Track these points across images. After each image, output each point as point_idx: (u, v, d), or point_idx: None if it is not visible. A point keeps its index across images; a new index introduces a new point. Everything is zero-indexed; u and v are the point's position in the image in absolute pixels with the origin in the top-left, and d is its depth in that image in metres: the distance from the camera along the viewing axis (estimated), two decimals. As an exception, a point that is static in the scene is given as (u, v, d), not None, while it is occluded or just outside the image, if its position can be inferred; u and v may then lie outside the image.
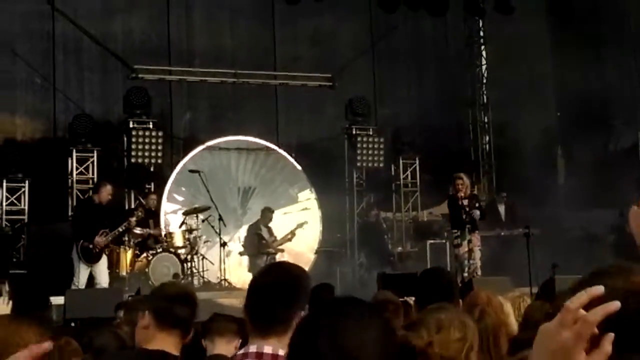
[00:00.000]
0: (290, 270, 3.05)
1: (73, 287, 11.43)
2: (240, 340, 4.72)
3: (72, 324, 9.99)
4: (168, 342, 3.40)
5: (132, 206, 14.48)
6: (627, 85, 16.42)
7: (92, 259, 11.66)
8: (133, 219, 12.17)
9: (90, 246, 11.59)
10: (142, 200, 14.56)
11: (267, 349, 2.73)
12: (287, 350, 1.70)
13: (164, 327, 3.42)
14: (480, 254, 12.64)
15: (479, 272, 12.37)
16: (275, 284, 2.90)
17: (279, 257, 14.17)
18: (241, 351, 2.84)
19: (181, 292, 3.60)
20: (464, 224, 12.52)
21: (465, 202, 12.47)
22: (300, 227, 14.39)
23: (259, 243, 14.01)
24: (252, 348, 2.77)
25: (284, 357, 2.57)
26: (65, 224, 13.17)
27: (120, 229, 12.00)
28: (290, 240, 14.22)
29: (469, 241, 12.51)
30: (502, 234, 14.80)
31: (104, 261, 11.92)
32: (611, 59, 16.15)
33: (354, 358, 1.56)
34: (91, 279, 11.80)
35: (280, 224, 14.68)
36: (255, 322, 2.83)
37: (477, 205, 12.67)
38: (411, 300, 5.26)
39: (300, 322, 1.69)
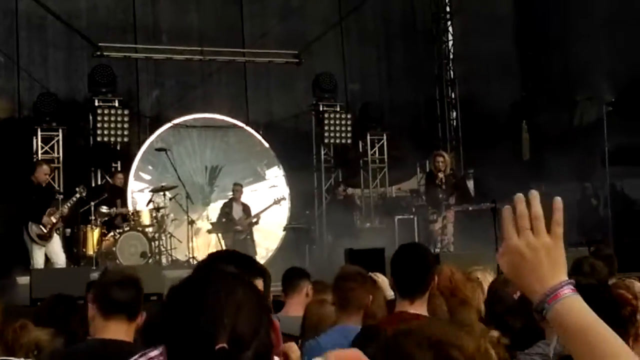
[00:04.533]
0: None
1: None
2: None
3: (39, 304, 9.94)
4: (119, 331, 3.35)
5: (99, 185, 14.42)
6: (590, 60, 16.53)
7: (42, 239, 11.57)
8: (77, 195, 12.05)
9: (41, 227, 11.52)
10: (108, 179, 14.48)
11: None
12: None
13: (108, 314, 3.36)
14: (453, 229, 12.78)
15: (452, 248, 12.51)
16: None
17: (248, 235, 14.18)
18: None
19: (121, 277, 3.51)
20: (440, 202, 12.63)
21: (443, 179, 12.56)
22: (278, 204, 14.44)
23: (227, 221, 14.00)
24: None
25: None
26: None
27: (67, 206, 11.92)
28: (257, 223, 14.25)
29: (444, 217, 12.64)
30: (471, 208, 14.90)
31: (56, 241, 11.85)
32: (576, 35, 16.23)
33: (230, 324, 1.54)
34: (48, 260, 11.71)
35: (249, 201, 14.67)
36: None
37: (453, 183, 12.77)
38: (375, 275, 5.26)
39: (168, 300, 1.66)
